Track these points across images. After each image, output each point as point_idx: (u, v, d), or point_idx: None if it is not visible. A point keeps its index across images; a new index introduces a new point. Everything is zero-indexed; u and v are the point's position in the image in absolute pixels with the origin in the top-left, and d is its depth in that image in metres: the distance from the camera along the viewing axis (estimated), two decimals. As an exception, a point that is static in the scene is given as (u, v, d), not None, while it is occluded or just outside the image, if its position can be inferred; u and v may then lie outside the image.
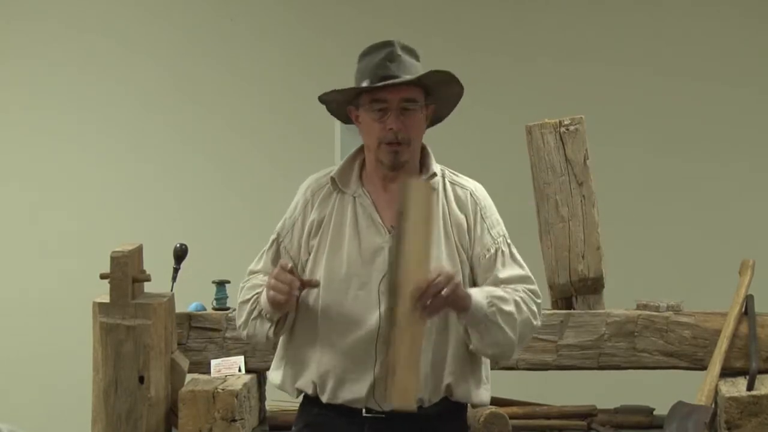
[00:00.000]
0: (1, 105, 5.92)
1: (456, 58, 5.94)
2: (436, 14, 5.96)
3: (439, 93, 3.17)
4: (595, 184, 4.10)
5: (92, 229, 5.77)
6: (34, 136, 5.92)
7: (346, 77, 6.14)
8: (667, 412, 3.92)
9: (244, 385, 3.89)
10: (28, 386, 5.78)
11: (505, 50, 5.93)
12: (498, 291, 3.03)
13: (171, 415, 3.86)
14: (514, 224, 5.90)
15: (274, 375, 3.16)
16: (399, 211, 2.91)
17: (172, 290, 4.08)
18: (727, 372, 3.93)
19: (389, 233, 3.05)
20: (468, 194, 3.18)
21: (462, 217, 3.12)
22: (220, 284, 4.20)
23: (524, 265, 3.14)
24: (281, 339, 3.16)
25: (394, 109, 3.08)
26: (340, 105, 3.21)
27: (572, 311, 4.05)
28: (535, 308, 3.07)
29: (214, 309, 4.18)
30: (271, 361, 3.22)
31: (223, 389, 3.82)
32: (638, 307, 4.08)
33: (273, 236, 3.21)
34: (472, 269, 3.10)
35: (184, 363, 3.97)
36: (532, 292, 3.09)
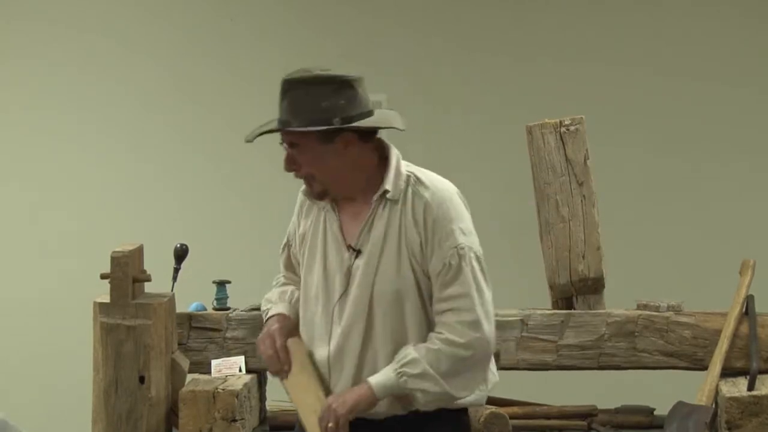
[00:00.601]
0: (2, 105, 5.92)
1: (456, 57, 5.95)
2: (436, 14, 5.96)
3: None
4: (596, 184, 4.10)
5: (92, 229, 5.78)
6: (34, 136, 5.92)
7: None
8: (668, 413, 3.92)
9: (245, 385, 3.89)
10: (29, 386, 5.78)
11: (506, 50, 5.93)
12: (408, 354, 2.97)
13: (171, 415, 3.86)
14: (514, 224, 5.93)
15: None
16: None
17: (172, 290, 4.08)
18: (727, 372, 3.93)
19: (348, 251, 3.04)
20: (423, 206, 3.04)
21: (416, 232, 3.02)
22: (221, 284, 4.20)
23: (474, 277, 3.03)
24: None
25: (287, 148, 3.04)
26: None
27: (572, 311, 4.05)
28: (462, 340, 2.97)
29: (215, 309, 4.18)
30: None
31: (223, 389, 3.81)
32: (638, 307, 4.08)
33: (284, 240, 3.24)
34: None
35: (184, 363, 3.97)
36: (460, 324, 2.98)
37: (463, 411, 3.17)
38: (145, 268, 3.96)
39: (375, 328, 3.02)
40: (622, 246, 5.36)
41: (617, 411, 4.10)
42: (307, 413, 3.04)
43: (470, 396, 3.05)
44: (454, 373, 2.97)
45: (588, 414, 4.09)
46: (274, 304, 3.20)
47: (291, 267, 3.26)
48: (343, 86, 2.95)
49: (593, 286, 4.06)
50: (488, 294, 3.06)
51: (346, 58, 5.93)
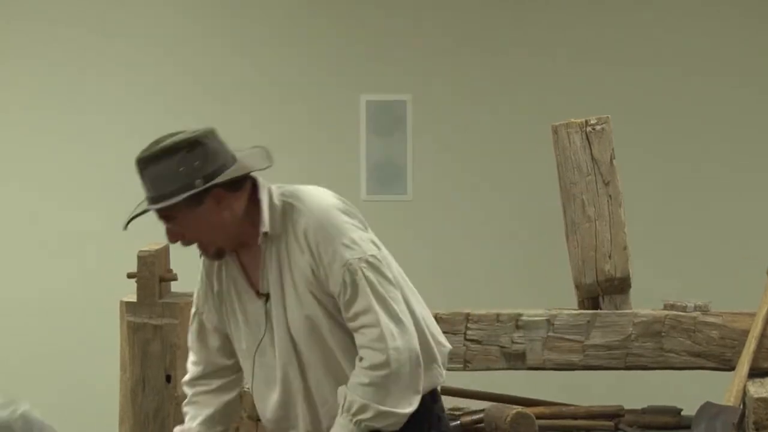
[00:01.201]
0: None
1: (482, 58, 5.94)
2: (461, 13, 5.95)
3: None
4: (622, 183, 4.09)
5: (118, 228, 5.78)
6: (59, 135, 5.95)
7: (372, 78, 6.16)
8: (695, 413, 3.90)
9: (271, 384, 3.89)
10: (56, 385, 5.80)
11: (531, 50, 5.92)
12: (353, 402, 2.93)
13: (198, 414, 3.86)
14: (540, 224, 5.92)
15: None
16: None
17: (198, 290, 4.08)
18: (755, 372, 3.91)
19: (259, 298, 3.03)
20: (303, 234, 2.97)
21: (304, 260, 2.98)
22: (247, 284, 4.19)
23: (371, 287, 2.94)
24: None
25: (165, 223, 3.02)
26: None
27: (599, 311, 4.03)
28: (381, 359, 2.90)
29: (241, 309, 4.17)
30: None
31: (249, 389, 3.81)
32: (665, 308, 4.06)
33: (193, 309, 3.20)
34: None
35: (210, 362, 3.97)
36: (372, 343, 2.91)
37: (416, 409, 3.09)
38: (171, 267, 3.97)
39: (306, 360, 3.02)
40: (648, 245, 5.35)
41: (644, 411, 4.08)
42: None
43: (416, 402, 3.00)
44: (394, 392, 2.94)
45: (615, 414, 4.08)
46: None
47: (203, 340, 3.20)
48: (193, 147, 2.93)
49: (620, 286, 4.04)
50: (393, 295, 2.97)
51: (372, 57, 5.93)
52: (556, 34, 5.92)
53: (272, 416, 3.09)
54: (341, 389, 2.96)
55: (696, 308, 4.02)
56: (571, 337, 4.00)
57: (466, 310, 3.96)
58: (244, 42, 5.95)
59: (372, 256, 2.96)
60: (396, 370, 2.92)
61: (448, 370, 3.83)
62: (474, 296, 5.48)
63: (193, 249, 4.20)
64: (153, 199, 2.94)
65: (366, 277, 2.94)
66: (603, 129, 4.08)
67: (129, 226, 3.00)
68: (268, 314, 3.02)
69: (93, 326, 5.65)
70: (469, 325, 3.94)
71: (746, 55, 5.85)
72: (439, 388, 3.17)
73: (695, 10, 5.90)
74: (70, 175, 5.90)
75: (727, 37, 5.87)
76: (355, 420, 2.93)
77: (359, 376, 2.93)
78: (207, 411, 3.16)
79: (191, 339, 3.20)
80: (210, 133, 2.99)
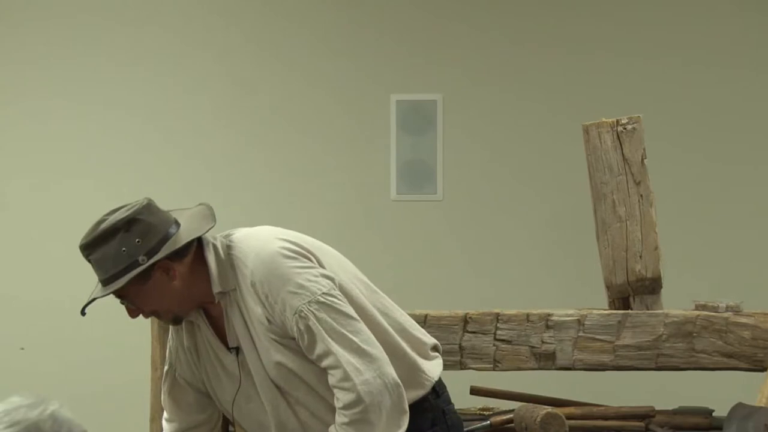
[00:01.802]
0: (64, 105, 5.99)
1: (512, 57, 5.93)
2: (492, 13, 5.95)
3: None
4: (653, 183, 4.08)
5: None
6: (99, 133, 5.98)
7: (402, 78, 6.15)
8: (727, 414, 3.88)
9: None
10: (87, 384, 5.83)
11: (563, 49, 5.91)
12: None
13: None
14: (570, 224, 5.90)
15: None
16: None
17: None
18: (787, 373, 3.89)
19: (229, 351, 3.05)
20: (252, 287, 2.98)
21: (260, 311, 2.98)
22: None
23: (326, 329, 2.92)
24: None
25: (121, 302, 3.05)
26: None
27: (629, 311, 4.02)
28: (352, 397, 2.90)
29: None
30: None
31: None
32: (696, 308, 4.05)
33: (166, 367, 3.22)
34: None
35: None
36: (340, 383, 2.92)
37: (419, 404, 3.11)
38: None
39: (294, 400, 3.03)
40: (680, 245, 5.33)
41: (675, 412, 4.07)
42: None
43: (405, 422, 2.98)
44: (378, 422, 2.92)
45: (645, 415, 4.06)
46: None
47: (176, 397, 3.21)
48: (130, 226, 2.96)
49: (650, 287, 4.03)
50: (351, 327, 2.94)
51: (403, 56, 5.93)
52: (588, 31, 5.90)
53: None
54: (331, 429, 2.96)
55: (728, 308, 4.00)
56: (601, 337, 3.99)
57: (496, 310, 3.95)
58: (275, 42, 5.96)
59: (323, 294, 2.95)
60: (371, 402, 2.90)
61: (477, 370, 3.85)
62: (504, 296, 5.48)
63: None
64: (104, 282, 2.99)
65: (319, 320, 2.92)
66: (634, 128, 4.07)
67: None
68: (242, 365, 3.04)
69: (123, 325, 5.66)
70: (499, 325, 3.93)
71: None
72: (438, 383, 3.16)
73: (731, 7, 5.87)
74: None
75: (763, 33, 5.83)
76: None
77: (339, 416, 2.94)
78: None
79: (164, 396, 3.23)
80: (145, 208, 3.00)
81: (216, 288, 3.00)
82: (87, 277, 5.99)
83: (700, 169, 5.83)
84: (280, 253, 2.98)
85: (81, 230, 3.04)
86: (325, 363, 2.93)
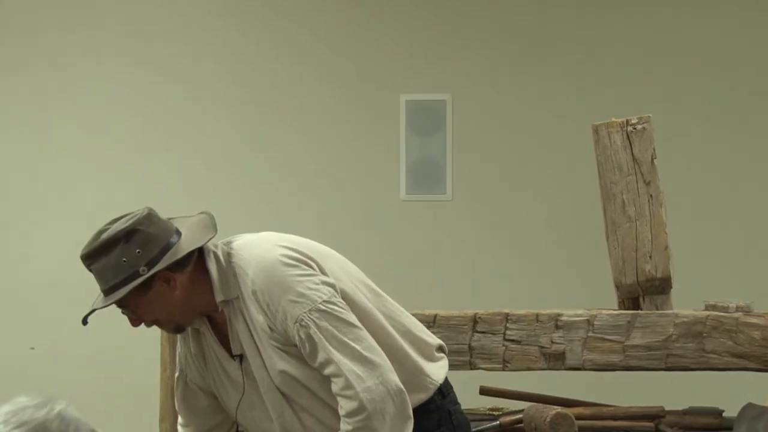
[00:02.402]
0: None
1: (522, 57, 5.93)
2: (501, 13, 5.94)
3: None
4: (663, 183, 4.07)
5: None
6: (101, 133, 5.99)
7: (411, 78, 6.15)
8: (737, 414, 3.87)
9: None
10: (96, 383, 5.84)
11: (572, 49, 5.90)
12: None
13: (237, 413, 3.88)
14: (580, 224, 5.89)
15: None
16: None
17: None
18: (798, 374, 3.88)
19: (233, 359, 3.05)
20: (253, 295, 2.97)
21: (262, 319, 2.98)
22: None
23: (327, 338, 2.91)
24: None
25: (123, 312, 3.05)
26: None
27: (639, 312, 4.01)
28: (354, 405, 2.89)
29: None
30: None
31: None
32: (706, 308, 4.04)
33: (177, 373, 3.23)
34: None
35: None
36: (342, 391, 2.91)
37: (425, 406, 3.10)
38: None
39: (299, 406, 3.03)
40: (689, 246, 5.32)
41: (685, 412, 4.06)
42: None
43: (410, 425, 2.98)
44: (383, 429, 2.92)
45: (655, 415, 4.05)
46: None
47: (189, 401, 3.22)
48: (130, 236, 2.95)
49: (660, 287, 4.02)
50: (353, 335, 2.94)
51: (412, 56, 5.93)
52: (598, 32, 5.89)
53: None
54: None
55: (738, 309, 3.99)
56: (611, 337, 3.98)
57: (506, 310, 3.95)
58: (283, 42, 5.96)
59: (323, 302, 2.94)
60: (374, 409, 2.90)
61: (487, 370, 3.85)
62: (513, 296, 5.47)
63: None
64: (105, 292, 2.99)
65: (320, 329, 2.92)
66: (644, 128, 4.06)
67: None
68: (245, 373, 3.04)
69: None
70: (508, 325, 3.93)
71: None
72: (445, 382, 3.16)
73: (742, 7, 5.86)
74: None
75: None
76: None
77: (343, 424, 2.94)
78: None
79: (178, 402, 3.24)
80: (146, 218, 2.99)
81: (219, 297, 3.00)
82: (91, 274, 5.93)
83: (710, 169, 5.82)
84: (280, 261, 2.97)
85: (91, 229, 3.04)
86: (327, 371, 2.93)
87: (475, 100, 5.93)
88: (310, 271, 2.98)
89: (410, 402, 2.97)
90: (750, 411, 3.84)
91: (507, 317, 3.94)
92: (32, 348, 5.93)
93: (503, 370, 3.94)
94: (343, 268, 3.09)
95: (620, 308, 4.06)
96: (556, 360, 3.94)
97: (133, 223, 2.97)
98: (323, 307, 2.94)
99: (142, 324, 3.06)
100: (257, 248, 3.02)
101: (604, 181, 4.07)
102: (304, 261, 3.00)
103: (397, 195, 5.92)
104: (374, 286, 3.14)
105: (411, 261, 5.87)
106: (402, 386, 2.94)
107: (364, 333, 2.96)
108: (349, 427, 2.91)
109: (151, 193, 5.87)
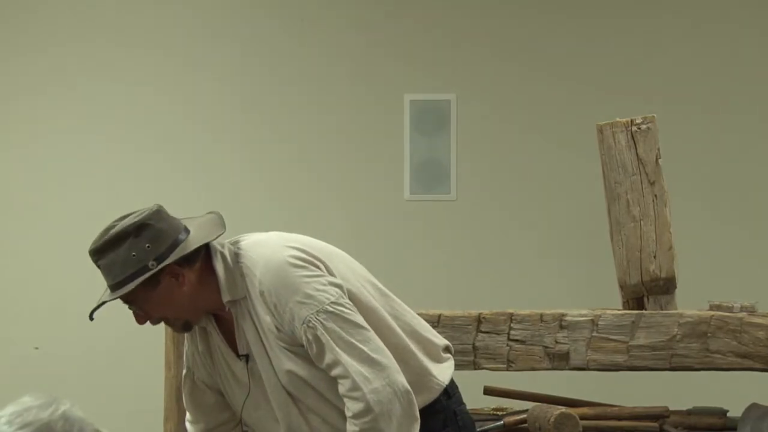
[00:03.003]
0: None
1: (526, 57, 5.93)
2: (505, 13, 5.94)
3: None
4: (668, 183, 4.07)
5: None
6: (105, 135, 5.99)
7: (416, 77, 6.15)
8: (741, 414, 3.87)
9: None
10: (100, 384, 5.84)
11: (576, 48, 5.90)
12: None
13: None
14: (585, 224, 5.89)
15: None
16: None
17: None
18: (802, 374, 3.88)
19: (239, 359, 3.05)
20: (261, 296, 2.97)
21: (269, 319, 2.98)
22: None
23: (335, 339, 2.92)
24: None
25: (130, 308, 3.04)
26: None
27: (643, 312, 4.01)
28: (361, 407, 2.89)
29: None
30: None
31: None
32: (711, 308, 4.03)
33: (184, 371, 3.23)
34: None
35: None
36: (349, 393, 2.90)
37: (430, 406, 3.10)
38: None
39: (305, 406, 3.03)
40: (694, 246, 5.31)
41: (689, 412, 4.06)
42: None
43: (416, 427, 2.97)
44: (389, 430, 2.92)
45: (660, 415, 4.05)
46: None
47: (197, 399, 3.21)
48: (140, 231, 2.95)
49: (665, 287, 4.02)
50: (360, 337, 2.94)
51: (417, 56, 5.93)
52: (603, 32, 5.89)
53: None
54: None
55: (742, 309, 3.99)
56: (615, 337, 3.98)
57: (510, 310, 3.95)
58: (287, 42, 5.97)
59: (331, 303, 2.94)
60: (381, 410, 2.90)
61: (491, 370, 3.85)
62: (518, 296, 5.47)
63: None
64: (112, 287, 2.98)
65: (327, 330, 2.92)
66: (648, 128, 4.06)
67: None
68: (251, 372, 3.04)
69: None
70: (512, 325, 3.93)
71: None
72: (451, 383, 3.16)
73: (748, 5, 5.86)
74: (109, 176, 5.95)
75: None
76: None
77: (350, 425, 2.94)
78: None
79: (186, 399, 3.23)
80: (155, 214, 2.99)
81: (225, 297, 3.00)
82: (100, 276, 6.00)
83: (714, 169, 5.82)
84: (288, 262, 2.97)
85: (94, 229, 3.04)
86: (334, 372, 2.93)
87: (479, 100, 5.93)
88: (318, 272, 2.98)
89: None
90: (754, 411, 3.84)
91: (511, 317, 3.93)
92: (37, 348, 5.94)
93: (507, 370, 3.94)
94: (349, 267, 3.09)
95: (624, 308, 4.06)
96: (560, 360, 3.94)
97: (143, 218, 2.97)
98: (331, 309, 2.94)
99: (148, 322, 3.05)
100: (265, 248, 3.02)
101: (609, 180, 4.07)
102: (312, 262, 3.00)
103: (401, 195, 5.92)
104: (380, 286, 3.14)
105: (415, 261, 5.87)
106: (409, 387, 2.94)
107: (372, 334, 2.96)
108: (356, 429, 2.91)
109: (156, 192, 5.86)
